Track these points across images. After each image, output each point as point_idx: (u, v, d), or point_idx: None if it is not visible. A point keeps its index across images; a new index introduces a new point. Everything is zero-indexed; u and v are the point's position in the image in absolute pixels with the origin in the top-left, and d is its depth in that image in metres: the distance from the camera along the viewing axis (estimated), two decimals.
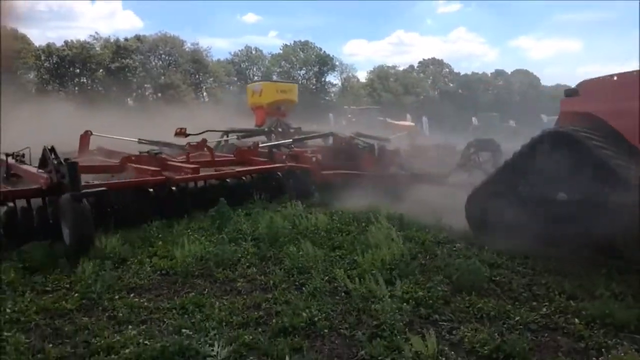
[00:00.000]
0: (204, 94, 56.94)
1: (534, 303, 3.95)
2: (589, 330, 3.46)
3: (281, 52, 63.70)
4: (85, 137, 9.89)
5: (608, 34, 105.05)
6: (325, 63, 62.79)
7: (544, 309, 3.81)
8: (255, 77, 62.38)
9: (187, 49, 55.36)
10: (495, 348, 3.11)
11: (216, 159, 9.35)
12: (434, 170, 10.05)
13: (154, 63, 53.86)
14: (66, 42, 48.93)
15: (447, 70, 71.87)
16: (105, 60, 49.27)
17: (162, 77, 52.41)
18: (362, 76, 67.82)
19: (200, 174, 7.53)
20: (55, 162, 5.46)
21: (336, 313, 3.72)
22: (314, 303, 3.84)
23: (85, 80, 51.19)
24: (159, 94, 51.39)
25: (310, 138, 12.86)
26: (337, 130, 14.66)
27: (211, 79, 56.82)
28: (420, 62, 71.53)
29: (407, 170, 10.11)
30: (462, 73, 71.50)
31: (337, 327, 3.48)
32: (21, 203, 5.46)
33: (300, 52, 63.39)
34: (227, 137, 13.63)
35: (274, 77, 62.24)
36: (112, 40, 50.78)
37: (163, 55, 54.31)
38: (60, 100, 37.46)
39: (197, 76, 55.95)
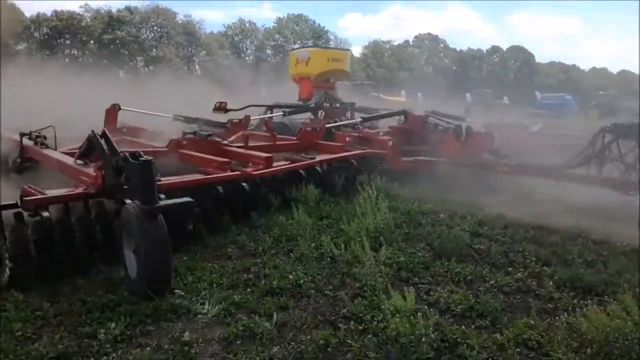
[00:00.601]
0: (197, 67, 56.50)
1: (510, 268, 4.17)
2: (559, 293, 3.68)
3: (275, 25, 63.11)
4: (113, 111, 8.11)
5: (606, 12, 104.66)
6: (319, 37, 62.29)
7: (519, 274, 4.03)
8: (249, 50, 61.89)
9: (179, 21, 54.75)
10: (469, 307, 3.32)
11: (278, 142, 7.68)
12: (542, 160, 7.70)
13: (145, 35, 53.24)
14: (55, 12, 48.21)
15: (442, 45, 71.54)
16: (96, 32, 48.65)
17: (154, 50, 51.87)
18: (357, 51, 67.44)
19: (278, 166, 6.07)
20: (112, 155, 3.80)
21: (321, 276, 3.91)
22: (301, 267, 4.03)
23: (75, 52, 50.58)
24: (151, 67, 50.93)
25: (381, 117, 10.73)
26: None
27: (204, 52, 56.30)
28: (415, 37, 71.13)
29: (505, 157, 7.95)
30: (458, 49, 71.28)
31: (322, 289, 3.67)
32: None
33: (295, 26, 62.82)
34: (272, 112, 11.90)
35: (268, 51, 61.85)
36: (102, 12, 50.07)
37: (155, 28, 53.67)
38: (51, 72, 37.04)
39: (189, 49, 55.43)
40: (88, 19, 49.53)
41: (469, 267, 4.11)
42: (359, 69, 60.90)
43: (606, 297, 3.62)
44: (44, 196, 3.84)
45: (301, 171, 6.19)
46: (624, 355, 2.70)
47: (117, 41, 49.33)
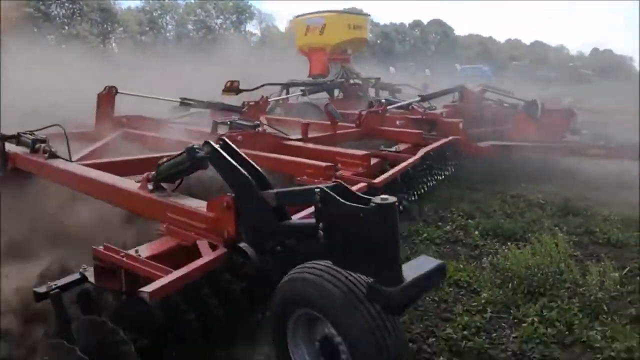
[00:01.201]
0: (113, 44, 53.80)
1: (440, 223, 4.55)
2: (483, 240, 4.11)
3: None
4: (109, 97, 6.10)
5: None
6: (243, 12, 61.08)
7: (447, 227, 4.42)
8: (169, 26, 59.61)
9: None
10: (406, 258, 3.63)
11: (338, 130, 5.96)
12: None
13: (56, 12, 49.94)
14: None
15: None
16: None
17: (66, 27, 48.83)
18: (282, 26, 66.83)
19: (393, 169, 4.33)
20: (260, 184, 2.21)
21: None
22: None
23: None
24: (63, 46, 47.95)
25: (440, 94, 8.79)
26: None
27: (121, 29, 53.69)
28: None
29: (592, 137, 6.49)
30: (382, 23, 72.45)
31: None
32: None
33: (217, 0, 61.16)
34: (288, 92, 10.17)
35: (189, 27, 59.88)
36: None
37: (66, 4, 50.40)
38: None
39: (105, 26, 52.61)
40: None
41: (404, 225, 4.43)
42: (286, 45, 60.51)
43: (524, 241, 4.06)
44: (175, 276, 2.00)
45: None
46: (541, 285, 3.10)
47: (24, 18, 45.93)
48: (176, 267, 2.07)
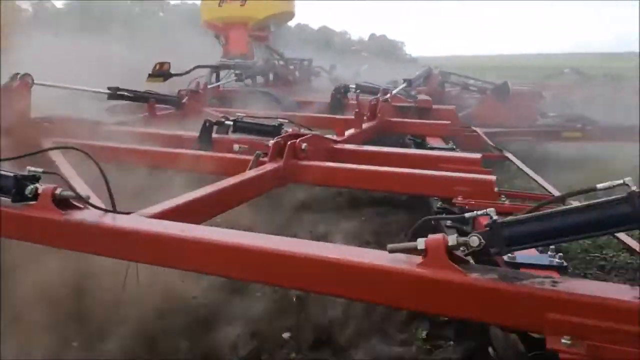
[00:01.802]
0: None
1: None
2: None
3: None
4: (23, 89, 3.98)
5: None
6: None
7: None
8: None
9: None
10: None
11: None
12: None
13: None
14: None
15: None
16: None
17: None
18: (59, 2, 59.28)
19: None
20: None
21: None
22: None
23: None
24: None
25: (420, 78, 7.67)
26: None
27: None
28: None
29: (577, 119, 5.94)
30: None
31: None
32: None
33: None
34: (218, 75, 7.80)
35: None
36: None
37: None
38: None
39: None
40: None
41: None
42: (68, 24, 54.06)
43: None
44: None
45: None
46: None
47: None
48: None
